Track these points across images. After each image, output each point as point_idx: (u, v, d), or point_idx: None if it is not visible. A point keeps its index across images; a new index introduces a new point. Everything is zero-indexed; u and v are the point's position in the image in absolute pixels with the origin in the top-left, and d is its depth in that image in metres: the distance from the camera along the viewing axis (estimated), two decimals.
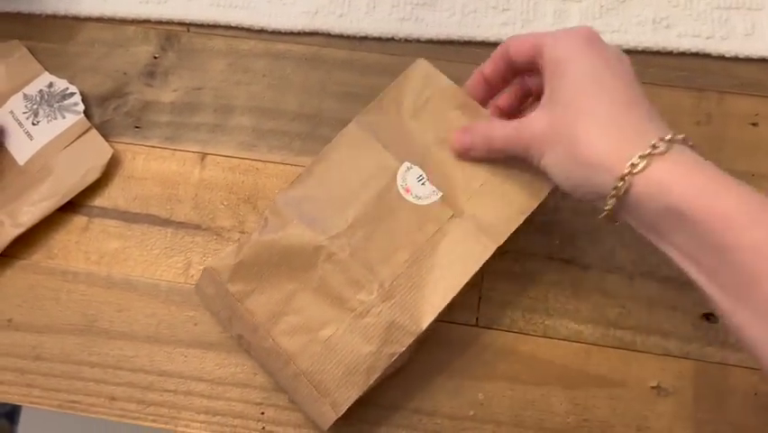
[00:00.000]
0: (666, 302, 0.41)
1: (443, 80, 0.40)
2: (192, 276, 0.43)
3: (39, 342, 0.42)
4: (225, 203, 0.45)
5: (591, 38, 0.35)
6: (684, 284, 0.41)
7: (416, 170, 0.39)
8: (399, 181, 0.39)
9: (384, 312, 0.36)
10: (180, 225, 0.44)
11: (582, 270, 0.42)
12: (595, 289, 0.42)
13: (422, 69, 0.41)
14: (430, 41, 0.47)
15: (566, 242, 0.43)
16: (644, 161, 0.30)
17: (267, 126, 0.46)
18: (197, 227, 0.44)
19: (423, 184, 0.38)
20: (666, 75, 0.46)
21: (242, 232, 0.44)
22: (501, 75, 0.39)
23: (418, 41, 0.47)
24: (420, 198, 0.38)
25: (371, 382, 0.36)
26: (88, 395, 0.41)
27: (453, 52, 0.47)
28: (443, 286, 0.37)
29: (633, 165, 0.31)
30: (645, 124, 0.32)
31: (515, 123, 0.36)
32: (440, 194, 0.38)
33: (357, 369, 0.36)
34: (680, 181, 0.30)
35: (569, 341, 0.41)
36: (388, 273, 0.37)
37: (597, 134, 0.32)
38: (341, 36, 0.48)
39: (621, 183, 0.31)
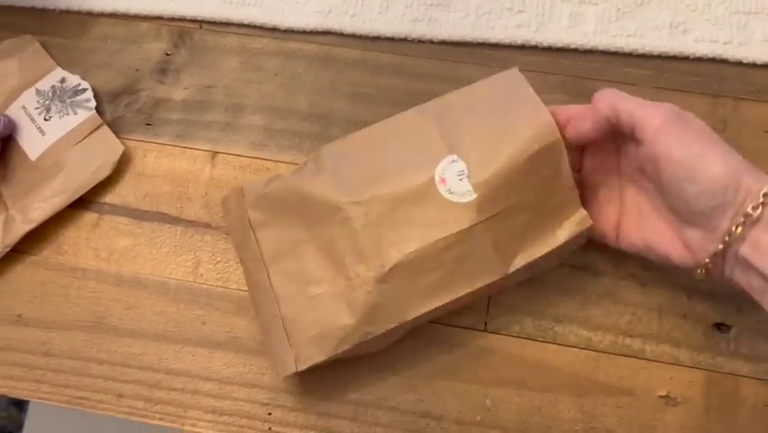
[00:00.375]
0: (677, 310, 0.41)
1: (530, 95, 0.38)
2: (201, 275, 0.43)
3: (48, 338, 0.43)
4: None
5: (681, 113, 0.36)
6: (696, 292, 0.41)
7: (460, 165, 0.37)
8: (438, 170, 0.37)
9: (375, 292, 0.36)
10: (190, 223, 0.44)
11: (593, 276, 0.42)
12: (605, 295, 0.42)
13: (513, 78, 0.39)
14: (443, 43, 0.47)
15: (578, 248, 0.42)
16: None
17: (278, 126, 0.46)
18: (207, 226, 0.44)
19: (461, 180, 0.37)
20: (681, 80, 0.45)
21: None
22: None
23: (431, 42, 0.47)
24: (453, 193, 0.37)
25: (339, 352, 0.37)
26: (96, 392, 0.41)
27: (467, 54, 0.47)
28: (437, 290, 0.37)
29: (765, 195, 0.32)
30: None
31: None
32: (474, 195, 0.36)
33: (330, 335, 0.37)
34: None
35: (578, 348, 0.41)
36: (392, 256, 0.36)
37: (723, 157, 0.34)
38: (353, 36, 0.47)
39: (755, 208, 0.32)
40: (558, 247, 0.38)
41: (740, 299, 0.41)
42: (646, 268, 0.42)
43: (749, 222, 0.32)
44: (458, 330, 0.41)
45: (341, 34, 0.47)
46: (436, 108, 0.40)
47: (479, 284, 0.37)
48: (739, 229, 0.32)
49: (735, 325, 0.41)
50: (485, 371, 0.41)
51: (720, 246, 0.33)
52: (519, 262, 0.37)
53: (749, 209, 0.32)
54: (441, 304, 0.37)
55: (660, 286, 0.41)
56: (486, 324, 0.41)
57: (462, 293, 0.37)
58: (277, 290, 0.39)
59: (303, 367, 0.37)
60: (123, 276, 0.44)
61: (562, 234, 0.38)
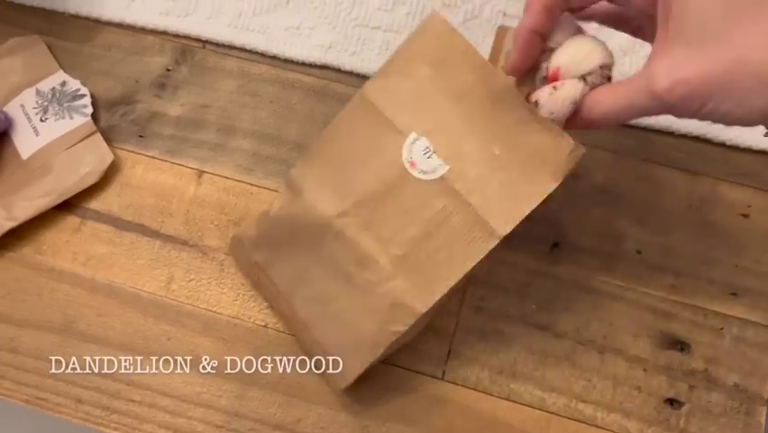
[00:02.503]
0: (632, 382, 0.42)
1: (460, 39, 0.37)
2: (173, 291, 0.44)
3: (17, 334, 0.43)
4: (215, 223, 0.45)
5: None
6: (652, 366, 0.42)
7: (423, 142, 0.37)
8: (405, 155, 0.37)
9: (388, 290, 0.37)
10: (168, 238, 0.45)
11: (555, 338, 0.43)
12: (564, 358, 0.42)
13: (437, 25, 0.38)
14: None
15: (542, 307, 0.43)
16: None
17: (266, 152, 0.47)
18: (185, 243, 0.45)
19: (429, 157, 0.37)
20: (665, 154, 0.46)
21: (227, 254, 0.45)
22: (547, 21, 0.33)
23: None
24: (426, 172, 0.37)
25: (377, 356, 0.38)
26: (56, 394, 0.42)
27: None
28: (446, 271, 0.36)
29: None
30: None
31: (640, 80, 0.31)
32: (447, 167, 0.36)
33: (363, 343, 0.38)
34: None
35: (531, 407, 0.41)
36: (391, 252, 0.37)
37: None
38: (351, 73, 0.48)
39: None
40: (553, 191, 0.35)
41: (695, 378, 0.42)
42: (606, 336, 0.42)
43: None
44: (416, 376, 0.42)
45: (339, 70, 0.48)
46: (373, 90, 0.39)
47: (481, 255, 0.36)
48: None
49: (687, 402, 0.41)
50: (438, 420, 0.41)
51: None
52: (516, 219, 0.35)
53: None
54: (451, 285, 0.36)
55: (618, 355, 0.42)
56: (444, 373, 0.42)
57: (468, 269, 0.36)
58: (302, 318, 0.40)
59: (350, 380, 0.39)
60: (98, 283, 0.44)
61: (556, 175, 0.35)
